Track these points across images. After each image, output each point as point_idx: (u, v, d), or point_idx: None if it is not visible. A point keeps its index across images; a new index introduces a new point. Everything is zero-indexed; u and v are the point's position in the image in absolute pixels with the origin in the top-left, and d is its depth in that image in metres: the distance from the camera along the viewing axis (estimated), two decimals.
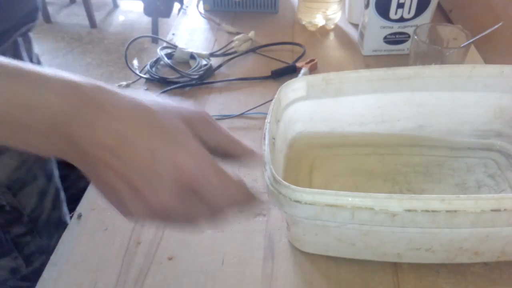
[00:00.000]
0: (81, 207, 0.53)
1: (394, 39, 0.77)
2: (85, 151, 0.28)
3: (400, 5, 0.72)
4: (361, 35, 0.79)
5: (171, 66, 0.75)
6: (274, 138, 0.48)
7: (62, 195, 0.70)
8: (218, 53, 0.81)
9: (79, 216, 0.52)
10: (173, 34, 0.89)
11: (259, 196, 0.34)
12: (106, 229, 0.51)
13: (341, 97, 0.55)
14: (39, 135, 0.28)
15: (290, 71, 0.75)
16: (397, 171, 0.55)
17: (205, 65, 0.76)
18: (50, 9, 2.74)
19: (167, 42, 0.82)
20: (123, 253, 0.48)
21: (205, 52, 0.80)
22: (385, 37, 0.77)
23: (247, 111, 0.67)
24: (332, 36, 0.87)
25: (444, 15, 0.91)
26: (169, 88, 0.72)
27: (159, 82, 0.74)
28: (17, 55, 0.59)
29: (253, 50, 0.82)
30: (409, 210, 0.36)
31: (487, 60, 0.75)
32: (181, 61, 0.79)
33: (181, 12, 0.98)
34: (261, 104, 0.68)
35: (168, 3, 0.84)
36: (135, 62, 0.79)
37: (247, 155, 0.35)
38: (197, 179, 0.30)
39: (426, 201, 0.36)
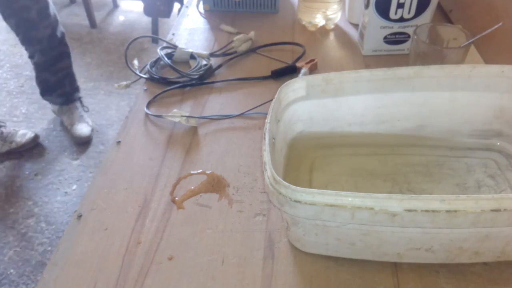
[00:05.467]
0: (81, 207, 0.53)
1: (394, 39, 0.77)
2: None
3: (400, 5, 0.72)
4: (361, 35, 0.79)
5: (171, 66, 0.75)
6: (274, 138, 0.48)
7: None
8: (218, 53, 0.81)
9: (79, 216, 0.52)
10: (173, 34, 0.89)
11: None
12: (106, 229, 0.51)
13: (341, 97, 0.55)
14: None
15: (290, 71, 0.75)
16: (397, 171, 0.55)
17: (205, 65, 0.76)
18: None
19: (167, 42, 0.81)
20: (123, 253, 0.48)
21: (205, 52, 0.80)
22: (385, 37, 0.77)
23: (247, 111, 0.67)
24: (332, 36, 0.87)
25: (444, 15, 0.91)
26: (169, 88, 0.72)
27: (159, 82, 0.74)
28: None
29: (253, 50, 0.82)
30: (409, 210, 0.36)
31: (487, 60, 0.75)
32: (181, 61, 0.79)
33: (181, 12, 0.98)
34: (261, 104, 0.68)
35: (168, 3, 0.84)
36: (135, 62, 0.79)
37: None
38: None
39: (426, 201, 0.36)
